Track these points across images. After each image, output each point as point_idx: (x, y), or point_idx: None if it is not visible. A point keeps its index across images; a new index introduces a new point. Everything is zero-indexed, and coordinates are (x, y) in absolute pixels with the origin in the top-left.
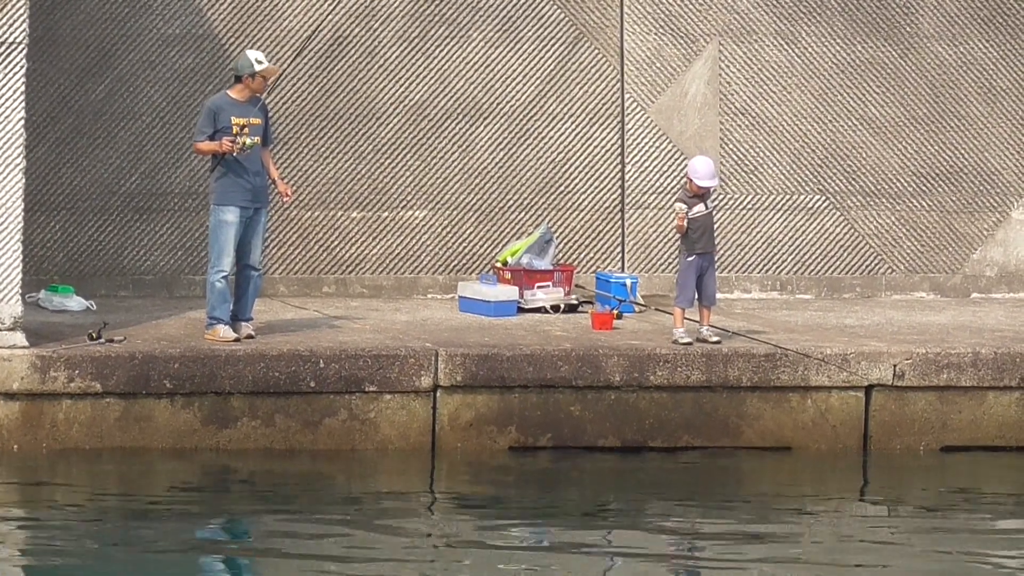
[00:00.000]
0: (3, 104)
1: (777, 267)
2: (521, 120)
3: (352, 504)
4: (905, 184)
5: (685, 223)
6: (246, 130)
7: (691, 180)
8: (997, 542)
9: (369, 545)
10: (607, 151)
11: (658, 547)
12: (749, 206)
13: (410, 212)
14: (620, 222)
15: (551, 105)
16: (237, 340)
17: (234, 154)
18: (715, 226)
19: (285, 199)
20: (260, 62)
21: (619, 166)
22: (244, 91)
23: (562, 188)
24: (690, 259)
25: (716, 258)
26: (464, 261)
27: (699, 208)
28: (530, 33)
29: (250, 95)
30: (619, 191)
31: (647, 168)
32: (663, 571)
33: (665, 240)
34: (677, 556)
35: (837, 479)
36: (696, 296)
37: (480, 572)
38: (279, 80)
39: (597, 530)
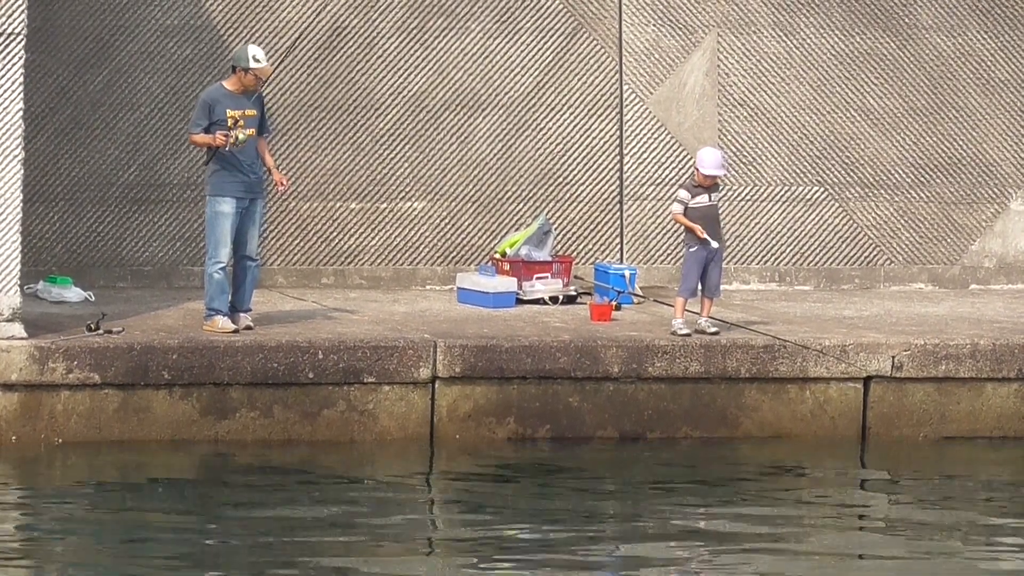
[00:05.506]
0: (2, 95)
1: (776, 258)
2: (519, 111)
3: (349, 499)
4: (903, 175)
5: (682, 215)
6: (240, 123)
7: (697, 170)
8: (996, 531)
9: (366, 540)
10: (605, 142)
11: (657, 542)
12: (747, 197)
13: (408, 203)
14: (619, 213)
15: (549, 96)
16: (235, 331)
17: (227, 149)
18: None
19: (280, 188)
20: (257, 60)
21: (617, 157)
22: (237, 83)
23: (561, 179)
24: (693, 249)
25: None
26: (463, 252)
27: (702, 199)
28: (528, 24)
29: (243, 89)
30: (617, 182)
31: (645, 159)
32: (663, 564)
33: (664, 231)
34: (677, 547)
35: (835, 465)
36: (700, 287)
37: (477, 566)
38: (277, 71)
39: (595, 522)
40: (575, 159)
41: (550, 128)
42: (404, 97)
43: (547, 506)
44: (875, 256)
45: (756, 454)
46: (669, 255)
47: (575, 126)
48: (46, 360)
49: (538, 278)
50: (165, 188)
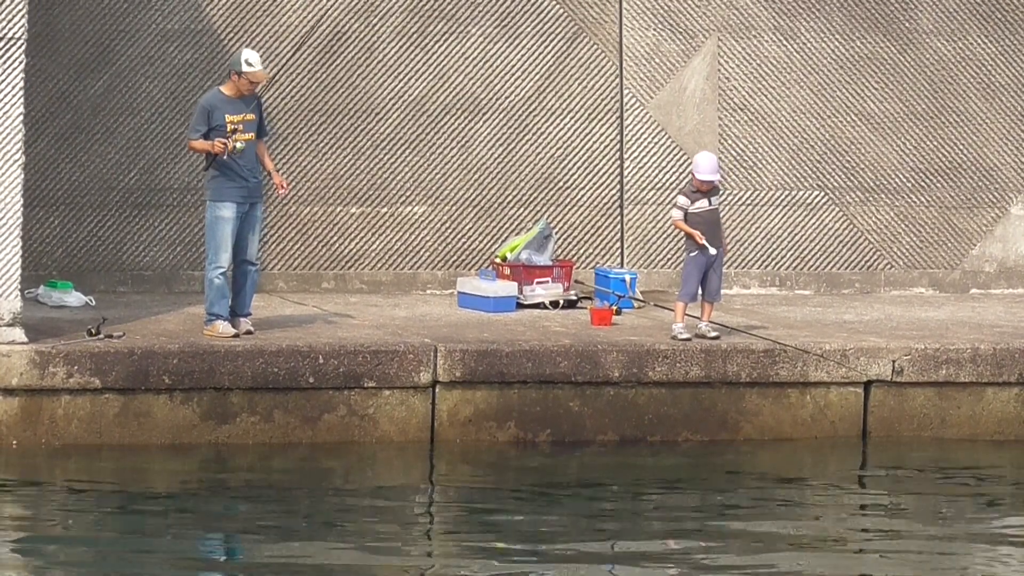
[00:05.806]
0: (2, 99)
1: (776, 263)
2: (520, 116)
3: (349, 503)
4: (904, 180)
5: (682, 221)
6: (240, 129)
7: (694, 175)
8: (996, 531)
9: (366, 543)
10: (606, 147)
11: (658, 544)
12: (748, 202)
13: (409, 208)
14: (619, 218)
15: (550, 101)
16: (236, 336)
17: (225, 156)
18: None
19: (280, 191)
20: (251, 64)
21: (618, 162)
22: (233, 88)
23: (561, 184)
24: (693, 254)
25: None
26: (463, 257)
27: (702, 204)
28: (529, 28)
29: (239, 93)
30: (618, 187)
31: (646, 164)
32: (664, 566)
33: (664, 236)
34: (678, 550)
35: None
36: (700, 291)
37: (477, 570)
38: (278, 76)
39: (595, 525)
40: (576, 163)
41: (551, 132)
42: (404, 101)
43: (547, 510)
44: (875, 260)
45: (756, 458)
46: (670, 259)
47: (576, 130)
48: (47, 365)
49: (539, 282)
50: (165, 192)
